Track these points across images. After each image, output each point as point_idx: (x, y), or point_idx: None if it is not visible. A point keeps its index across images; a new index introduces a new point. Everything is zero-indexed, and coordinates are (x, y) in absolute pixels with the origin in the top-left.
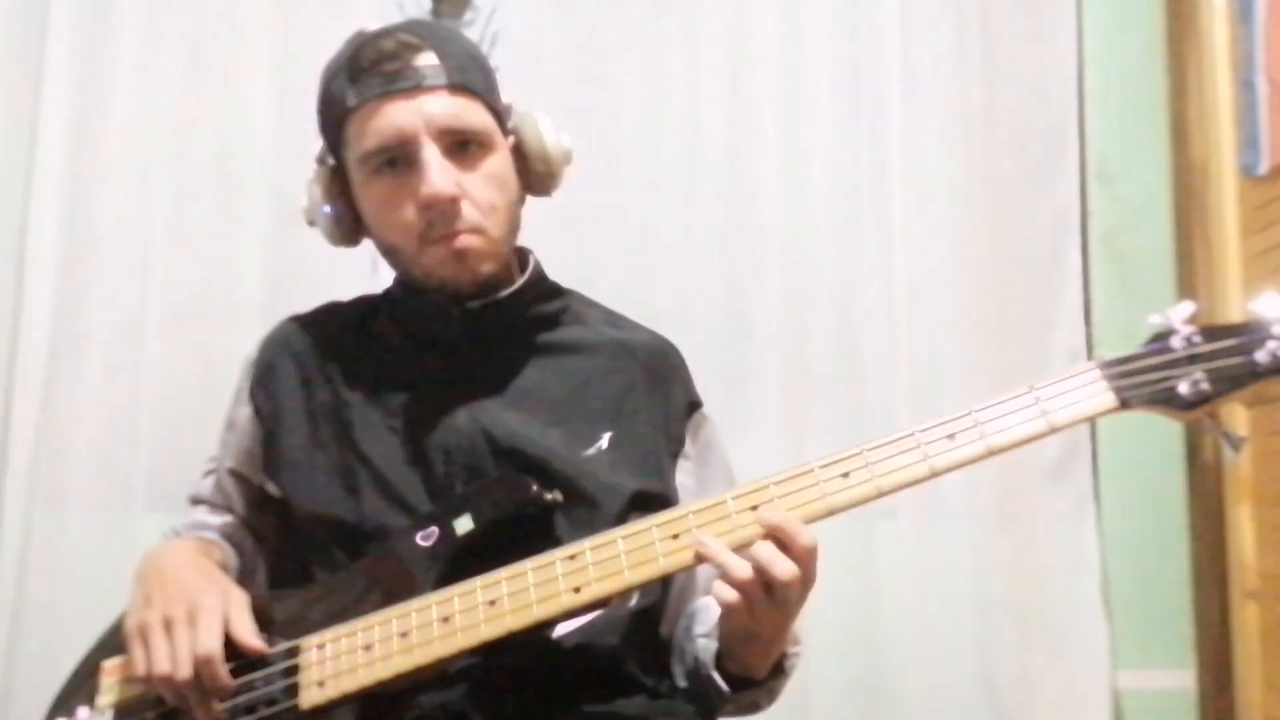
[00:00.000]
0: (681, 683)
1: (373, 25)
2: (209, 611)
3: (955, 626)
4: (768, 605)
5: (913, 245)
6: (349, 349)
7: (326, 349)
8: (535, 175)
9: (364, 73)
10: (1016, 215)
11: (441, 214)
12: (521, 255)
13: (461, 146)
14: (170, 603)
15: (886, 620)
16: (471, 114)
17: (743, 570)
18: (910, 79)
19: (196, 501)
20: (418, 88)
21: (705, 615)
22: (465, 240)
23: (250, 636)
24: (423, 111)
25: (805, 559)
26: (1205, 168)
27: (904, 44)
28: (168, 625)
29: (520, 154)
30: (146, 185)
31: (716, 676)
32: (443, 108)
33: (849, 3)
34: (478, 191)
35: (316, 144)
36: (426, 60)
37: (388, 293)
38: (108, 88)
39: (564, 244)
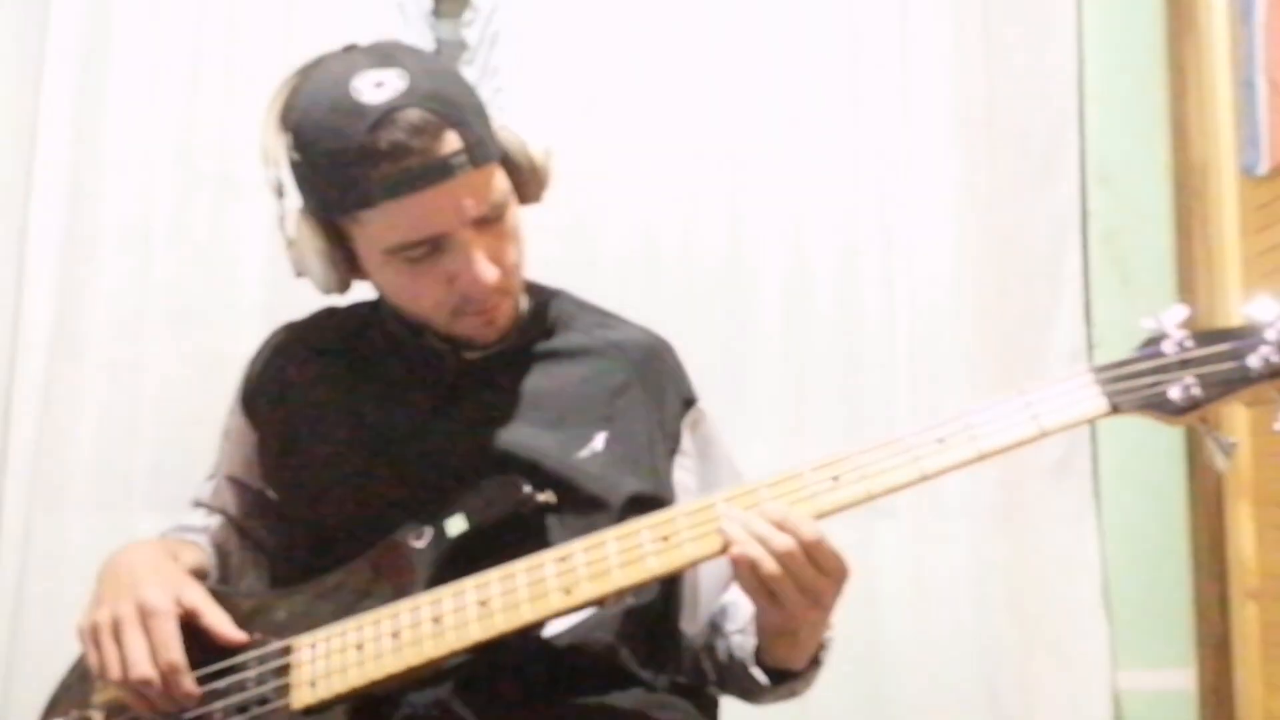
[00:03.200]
0: (713, 677)
1: (365, 86)
2: (161, 615)
3: (955, 626)
4: (794, 597)
5: (913, 245)
6: (344, 356)
7: (321, 355)
8: (525, 187)
9: (382, 167)
10: (1016, 215)
11: (480, 296)
12: None
13: (488, 217)
14: (119, 601)
15: (886, 620)
16: (495, 185)
17: (757, 548)
18: (910, 79)
19: (197, 504)
20: (448, 180)
21: (735, 612)
22: (493, 311)
23: (229, 629)
24: (456, 205)
25: (813, 549)
26: (1205, 168)
27: (904, 44)
28: (116, 626)
29: (509, 169)
30: (146, 186)
31: (757, 672)
32: (473, 195)
33: (849, 3)
34: (505, 257)
35: (272, 175)
36: (450, 145)
37: (381, 304)
38: (108, 88)
39: (564, 244)
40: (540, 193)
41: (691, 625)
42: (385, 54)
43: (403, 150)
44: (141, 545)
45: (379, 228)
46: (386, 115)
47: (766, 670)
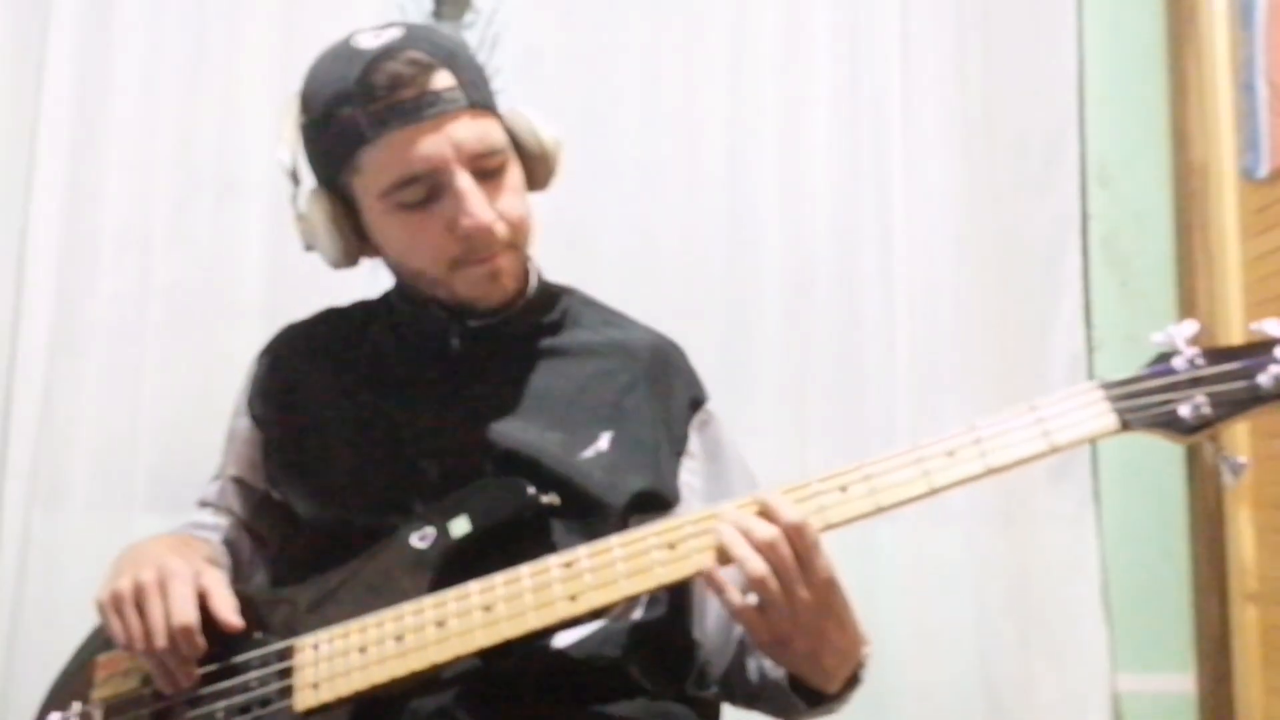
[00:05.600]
0: (741, 696)
1: (364, 37)
2: (180, 578)
3: (954, 628)
4: (780, 605)
5: (913, 247)
6: (347, 355)
7: (324, 355)
8: (534, 172)
9: (378, 100)
10: (1016, 218)
11: (481, 241)
12: None
13: (487, 166)
14: (141, 570)
15: (885, 621)
16: (493, 132)
17: (742, 546)
18: (910, 81)
19: (203, 504)
20: (441, 114)
21: None
22: (501, 261)
23: (230, 615)
24: (451, 140)
25: (795, 537)
26: (1205, 171)
27: (904, 45)
28: (139, 592)
29: (518, 153)
30: (146, 185)
31: (795, 697)
32: (469, 133)
33: (849, 3)
34: (508, 208)
35: (282, 153)
36: (443, 81)
37: (386, 298)
38: (108, 88)
39: (564, 244)
40: (548, 179)
41: (700, 631)
42: (391, 23)
43: (395, 82)
44: (161, 536)
45: (374, 170)
46: (382, 53)
47: (800, 691)
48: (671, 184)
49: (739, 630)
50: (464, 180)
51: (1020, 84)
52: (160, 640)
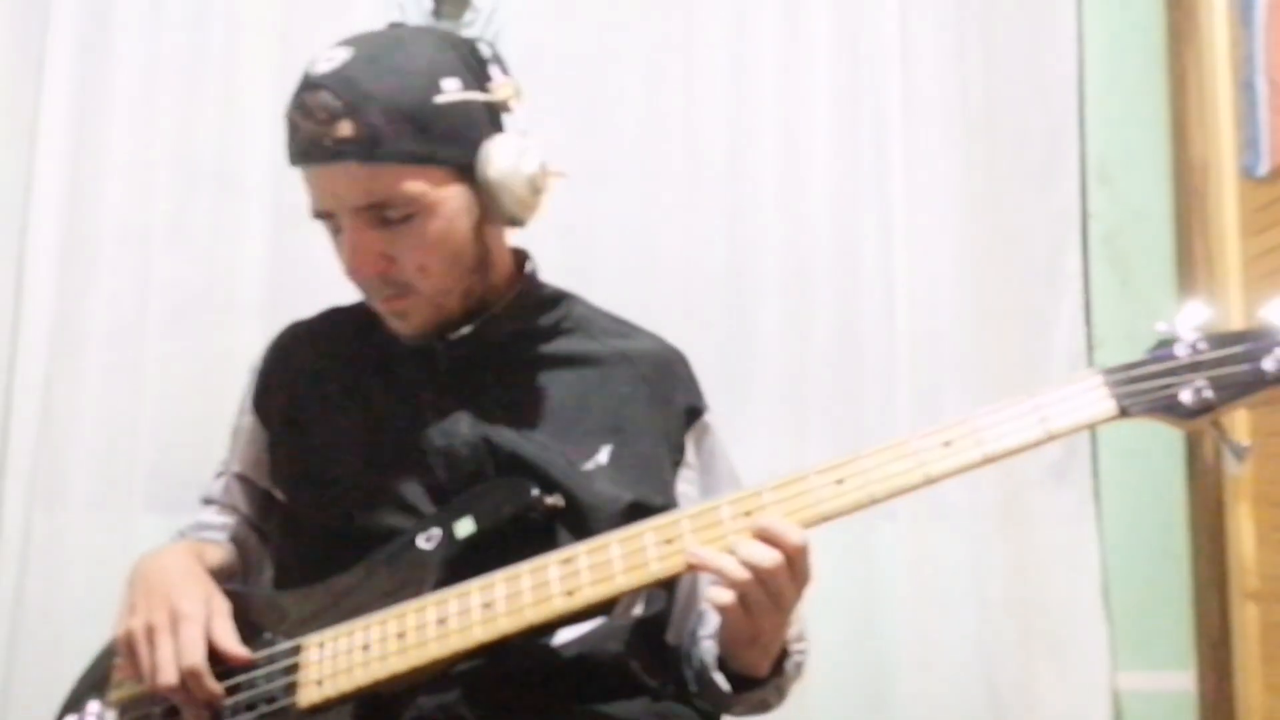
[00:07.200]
0: (693, 688)
1: (320, 55)
2: (190, 620)
3: (955, 627)
4: (765, 604)
5: (913, 245)
6: (352, 354)
7: (329, 354)
8: (506, 209)
9: (290, 133)
10: (1017, 216)
11: (363, 286)
12: (519, 258)
13: (385, 215)
14: (153, 610)
15: (886, 621)
16: (388, 185)
17: (737, 571)
18: (910, 79)
19: (207, 502)
20: (332, 162)
21: (710, 618)
22: (395, 304)
23: (233, 645)
24: (334, 190)
25: (797, 557)
26: (1205, 169)
27: (904, 44)
28: (150, 634)
29: (485, 187)
30: (146, 185)
31: (719, 678)
32: (353, 185)
33: (849, 3)
34: (405, 256)
35: None
36: (342, 132)
37: None
38: (108, 88)
39: (564, 245)
40: (523, 215)
41: (674, 635)
42: (366, 34)
43: (297, 124)
44: (171, 550)
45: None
46: (304, 87)
47: (730, 677)
48: (671, 184)
49: (692, 621)
50: (349, 227)
51: (1020, 82)
52: (170, 679)
